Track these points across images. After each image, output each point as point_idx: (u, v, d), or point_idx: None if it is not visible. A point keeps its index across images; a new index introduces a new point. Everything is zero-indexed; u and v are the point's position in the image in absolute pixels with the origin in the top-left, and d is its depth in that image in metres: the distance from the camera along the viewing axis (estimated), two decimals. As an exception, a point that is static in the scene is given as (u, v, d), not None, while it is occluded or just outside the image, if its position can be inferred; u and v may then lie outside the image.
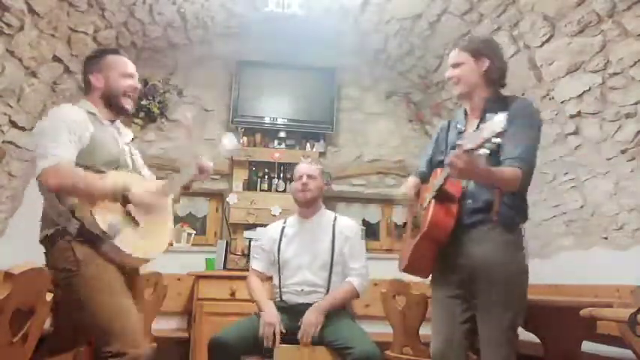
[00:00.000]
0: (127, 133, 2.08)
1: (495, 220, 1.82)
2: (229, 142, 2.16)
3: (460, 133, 1.98)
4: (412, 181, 2.12)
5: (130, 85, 1.97)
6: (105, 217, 1.75)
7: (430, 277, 2.04)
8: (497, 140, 1.50)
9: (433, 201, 1.84)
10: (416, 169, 2.21)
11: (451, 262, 1.89)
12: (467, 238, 1.85)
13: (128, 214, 1.81)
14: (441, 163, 2.01)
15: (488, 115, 1.70)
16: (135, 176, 1.96)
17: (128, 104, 1.98)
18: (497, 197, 1.82)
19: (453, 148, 1.96)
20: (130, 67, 2.00)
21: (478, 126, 1.90)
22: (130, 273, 1.89)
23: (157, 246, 1.93)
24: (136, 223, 1.83)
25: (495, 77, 1.93)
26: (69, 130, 1.77)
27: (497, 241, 1.83)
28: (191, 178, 2.06)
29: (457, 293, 1.90)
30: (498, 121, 1.48)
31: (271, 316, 2.42)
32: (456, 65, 1.95)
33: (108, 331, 1.69)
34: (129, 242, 1.79)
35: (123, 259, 1.80)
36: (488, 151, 1.55)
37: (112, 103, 1.95)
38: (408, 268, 2.01)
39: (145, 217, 1.86)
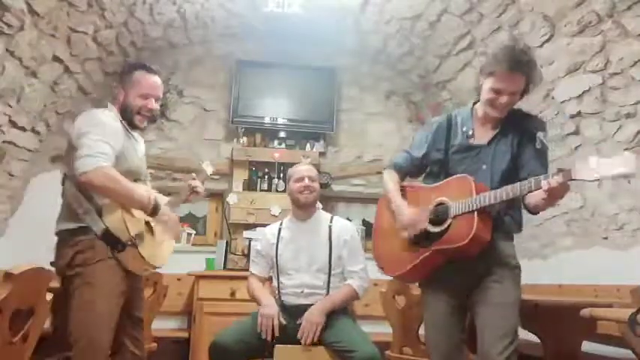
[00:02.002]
0: (142, 142, 2.20)
1: (498, 228, 1.82)
2: (208, 168, 2.43)
3: (468, 137, 1.91)
4: (397, 190, 2.01)
5: (144, 106, 2.04)
6: (134, 224, 1.87)
7: (424, 286, 2.01)
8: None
9: (476, 215, 1.71)
10: (395, 163, 2.09)
11: (456, 265, 1.84)
12: None
13: (148, 223, 1.96)
14: (437, 163, 1.96)
15: (540, 134, 1.77)
16: (151, 190, 2.06)
17: (140, 122, 2.06)
18: (505, 209, 1.83)
19: (461, 151, 1.91)
20: (149, 87, 2.06)
21: (495, 137, 1.87)
22: (134, 281, 2.00)
23: (164, 255, 2.07)
24: (152, 233, 1.98)
25: (522, 97, 1.86)
26: (109, 134, 1.87)
27: (504, 246, 1.86)
28: (184, 199, 2.26)
29: (454, 302, 1.89)
30: (629, 161, 1.40)
31: (270, 308, 2.42)
32: (514, 94, 1.79)
33: (77, 335, 1.75)
34: (147, 250, 1.91)
35: (139, 265, 1.91)
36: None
37: (126, 117, 2.04)
38: (403, 275, 1.96)
39: (158, 231, 2.02)
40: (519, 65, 1.75)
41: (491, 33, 3.24)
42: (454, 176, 1.87)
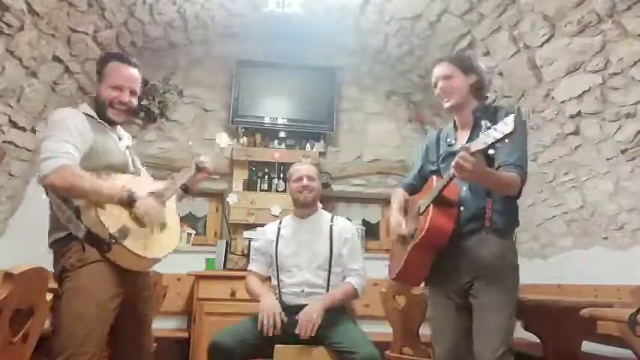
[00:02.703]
0: (127, 136, 2.07)
1: (488, 226, 1.86)
2: (221, 140, 2.28)
3: (450, 145, 2.03)
4: (398, 202, 2.14)
5: (115, 98, 1.92)
6: (113, 220, 1.74)
7: (427, 285, 2.07)
8: (506, 141, 1.52)
9: (432, 206, 1.85)
10: (403, 182, 2.27)
11: (449, 270, 1.91)
12: (463, 246, 1.88)
13: (134, 214, 1.81)
14: (432, 173, 2.07)
15: (483, 122, 1.71)
16: (137, 179, 1.96)
17: (114, 115, 1.94)
18: (489, 204, 1.86)
19: (445, 159, 2.03)
20: (122, 78, 1.94)
21: (470, 137, 1.94)
22: (136, 279, 1.88)
23: (165, 245, 1.91)
24: (142, 224, 1.82)
25: (482, 91, 2.01)
26: (70, 133, 1.76)
27: (492, 247, 1.86)
28: (190, 177, 2.09)
29: (457, 301, 1.92)
30: (509, 122, 1.49)
31: (271, 305, 2.41)
32: (447, 77, 1.99)
33: (60, 346, 1.65)
34: (138, 243, 1.78)
35: (133, 261, 1.78)
36: (493, 152, 1.58)
37: (99, 111, 1.93)
38: (400, 277, 2.04)
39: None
40: (444, 57, 2.07)
41: (491, 33, 3.24)
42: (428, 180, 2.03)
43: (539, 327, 2.31)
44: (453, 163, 1.66)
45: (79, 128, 1.79)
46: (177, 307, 3.82)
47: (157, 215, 1.86)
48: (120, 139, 2.00)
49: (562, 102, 3.02)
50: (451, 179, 1.75)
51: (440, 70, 2.02)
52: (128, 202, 1.77)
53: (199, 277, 3.60)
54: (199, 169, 2.11)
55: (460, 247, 1.88)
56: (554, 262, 3.65)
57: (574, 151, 3.12)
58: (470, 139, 1.92)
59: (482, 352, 1.78)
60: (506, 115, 1.57)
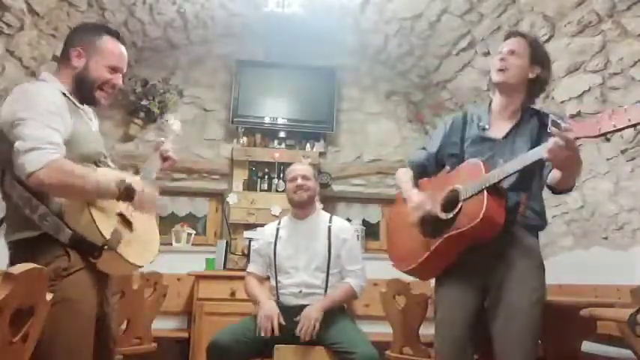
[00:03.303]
0: (95, 118, 1.78)
1: (519, 221, 1.77)
2: (173, 126, 2.14)
3: (484, 130, 1.89)
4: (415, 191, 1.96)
5: (110, 81, 1.67)
6: (105, 224, 1.52)
7: (440, 279, 1.92)
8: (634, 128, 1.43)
9: (486, 193, 1.68)
10: (412, 160, 2.09)
11: (472, 262, 1.79)
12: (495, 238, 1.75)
13: (122, 217, 1.61)
14: (451, 156, 1.93)
15: (551, 118, 1.54)
16: (114, 172, 1.72)
17: (102, 98, 1.68)
18: (523, 199, 1.77)
19: (475, 143, 1.89)
20: (119, 59, 1.69)
21: (511, 131, 1.84)
22: (109, 284, 1.69)
23: (151, 250, 1.74)
24: (131, 228, 1.63)
25: (538, 89, 1.90)
26: (52, 115, 1.48)
27: (522, 243, 1.78)
28: (159, 168, 1.92)
29: (473, 294, 1.81)
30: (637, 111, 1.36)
31: (270, 309, 2.42)
32: (513, 52, 1.85)
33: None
34: (129, 249, 1.57)
35: (119, 267, 1.60)
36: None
37: (82, 89, 1.64)
38: (419, 268, 1.88)
39: (137, 221, 1.67)
40: (515, 32, 1.95)
41: (491, 33, 3.24)
42: (465, 162, 1.85)
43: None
44: (549, 145, 1.52)
45: (61, 111, 1.52)
46: (177, 307, 3.82)
47: (152, 202, 1.68)
48: (90, 120, 1.73)
49: (562, 102, 3.02)
50: (534, 162, 1.60)
51: (512, 43, 1.87)
52: (128, 195, 1.56)
53: (199, 277, 3.60)
54: (164, 158, 1.94)
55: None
56: (554, 262, 3.65)
57: (574, 151, 3.12)
58: (512, 134, 1.83)
59: (510, 353, 1.70)
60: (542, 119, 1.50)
